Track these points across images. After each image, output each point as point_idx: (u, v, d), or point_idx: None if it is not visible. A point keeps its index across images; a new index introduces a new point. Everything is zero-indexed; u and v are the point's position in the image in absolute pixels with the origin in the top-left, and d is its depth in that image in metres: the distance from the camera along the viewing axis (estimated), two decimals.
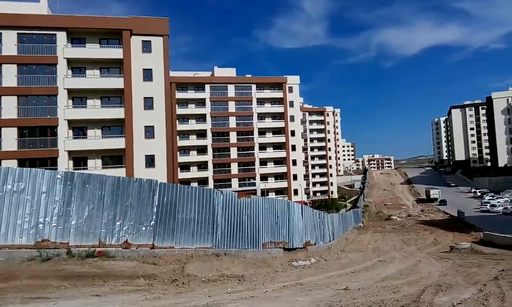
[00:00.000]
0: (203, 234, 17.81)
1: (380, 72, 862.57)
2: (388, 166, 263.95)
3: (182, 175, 71.91)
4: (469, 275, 16.51)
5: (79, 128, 43.05)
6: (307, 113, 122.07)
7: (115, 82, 43.06)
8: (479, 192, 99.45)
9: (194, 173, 75.49)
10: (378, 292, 12.70)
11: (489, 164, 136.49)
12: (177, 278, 13.70)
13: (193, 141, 76.27)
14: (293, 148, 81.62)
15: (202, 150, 76.14)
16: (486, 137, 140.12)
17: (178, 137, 73.32)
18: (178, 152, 72.99)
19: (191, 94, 76.16)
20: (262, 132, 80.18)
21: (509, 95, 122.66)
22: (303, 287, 14.08)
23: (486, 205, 76.01)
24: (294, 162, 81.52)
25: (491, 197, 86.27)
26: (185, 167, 74.95)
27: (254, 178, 77.93)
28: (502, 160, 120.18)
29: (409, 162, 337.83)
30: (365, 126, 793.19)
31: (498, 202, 77.72)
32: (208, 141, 75.95)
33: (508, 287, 12.63)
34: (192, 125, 76.38)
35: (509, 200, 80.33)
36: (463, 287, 13.40)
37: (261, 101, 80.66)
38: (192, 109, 76.38)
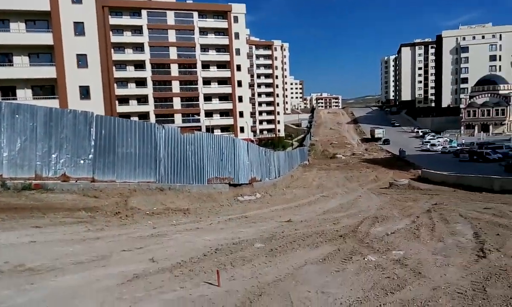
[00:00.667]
0: (145, 169, 17.92)
1: (331, 6, 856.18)
2: (336, 106, 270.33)
3: (121, 109, 69.91)
4: (404, 209, 18.00)
5: (3, 55, 40.24)
6: (253, 47, 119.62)
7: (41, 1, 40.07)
8: (421, 132, 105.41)
9: (133, 107, 73.57)
10: (319, 224, 13.66)
11: (433, 104, 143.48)
12: (120, 210, 13.92)
13: (131, 72, 73.49)
14: (239, 83, 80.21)
15: (141, 82, 73.77)
16: (433, 77, 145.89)
17: (114, 68, 70.50)
18: (115, 84, 70.55)
19: (126, 20, 72.14)
20: (205, 65, 78.16)
21: (458, 34, 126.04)
22: (247, 219, 14.81)
23: (427, 145, 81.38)
24: (240, 99, 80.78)
25: (432, 137, 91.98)
26: (124, 100, 72.76)
27: (198, 114, 77.15)
28: (446, 101, 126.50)
29: (356, 102, 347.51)
30: (314, 64, 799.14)
31: (438, 141, 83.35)
32: (147, 73, 73.52)
33: (438, 219, 13.97)
34: (129, 55, 73.17)
35: (448, 139, 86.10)
36: (398, 219, 14.64)
37: (204, 31, 77.67)
38: (128, 37, 72.74)
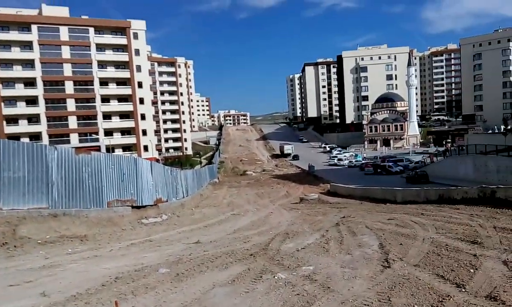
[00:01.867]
0: (36, 194, 16.46)
1: (235, 23, 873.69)
2: (244, 122, 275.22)
3: (9, 129, 64.78)
4: (314, 223, 18.51)
5: None
6: (156, 64, 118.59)
7: None
8: (328, 147, 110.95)
9: (24, 127, 68.26)
10: (229, 243, 13.52)
11: (338, 121, 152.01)
12: (8, 241, 12.75)
13: (20, 90, 68.26)
14: (141, 101, 78.26)
15: (32, 101, 68.79)
16: (337, 95, 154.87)
17: (1, 85, 65.31)
18: (2, 103, 65.41)
19: (14, 35, 67.28)
20: (104, 82, 75.31)
21: (357, 54, 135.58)
22: (152, 243, 14.27)
23: (334, 159, 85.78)
24: (143, 117, 78.76)
25: (338, 152, 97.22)
26: (13, 120, 67.36)
27: (97, 133, 73.84)
28: (350, 117, 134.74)
29: (265, 119, 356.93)
30: (221, 81, 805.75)
31: (344, 156, 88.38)
32: (39, 91, 68.75)
33: (346, 231, 14.51)
34: (18, 72, 68.08)
35: (353, 154, 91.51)
36: (308, 233, 14.97)
37: (101, 47, 74.88)
38: (17, 53, 67.70)
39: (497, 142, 50.96)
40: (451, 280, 7.51)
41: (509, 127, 64.75)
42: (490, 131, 76.68)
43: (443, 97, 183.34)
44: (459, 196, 21.71)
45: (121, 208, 21.06)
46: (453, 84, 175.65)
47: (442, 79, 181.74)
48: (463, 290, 6.93)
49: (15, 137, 59.63)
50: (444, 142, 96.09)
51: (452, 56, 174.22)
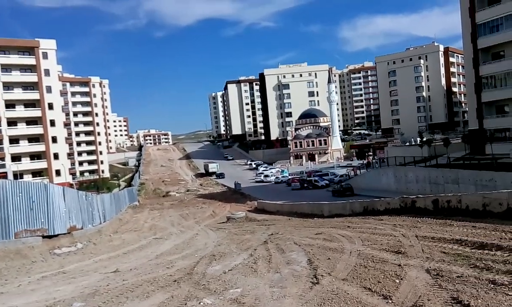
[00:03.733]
0: None
1: (153, 41, 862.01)
2: (166, 142, 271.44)
3: None
4: (242, 242, 18.40)
5: None
6: (68, 84, 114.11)
7: None
8: (254, 164, 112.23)
9: None
10: (151, 270, 13.02)
11: (263, 137, 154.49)
12: None
13: None
14: (52, 123, 74.87)
15: None
16: (261, 112, 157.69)
17: None
18: None
19: None
20: (11, 104, 71.40)
21: (279, 72, 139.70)
22: (66, 275, 13.47)
23: (261, 176, 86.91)
24: (54, 140, 75.25)
25: (265, 168, 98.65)
26: None
27: (3, 159, 69.22)
28: (274, 134, 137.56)
29: (188, 137, 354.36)
30: (139, 100, 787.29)
31: (271, 172, 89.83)
32: None
33: (275, 249, 14.54)
34: None
35: (280, 170, 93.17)
36: (235, 254, 14.81)
37: (7, 68, 71.19)
38: None
39: (414, 154, 54.35)
40: (378, 292, 7.68)
41: (424, 139, 69.29)
42: (408, 144, 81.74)
43: (363, 112, 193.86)
44: (382, 207, 22.68)
45: (30, 239, 19.72)
46: (372, 100, 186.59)
47: (361, 95, 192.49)
48: (390, 301, 7.10)
49: None
50: (366, 155, 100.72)
51: (369, 73, 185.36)
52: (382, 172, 56.00)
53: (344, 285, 8.45)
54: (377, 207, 23.29)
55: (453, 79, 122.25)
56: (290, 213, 34.09)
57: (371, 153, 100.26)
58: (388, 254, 11.12)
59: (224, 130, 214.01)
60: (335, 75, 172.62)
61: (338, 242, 14.28)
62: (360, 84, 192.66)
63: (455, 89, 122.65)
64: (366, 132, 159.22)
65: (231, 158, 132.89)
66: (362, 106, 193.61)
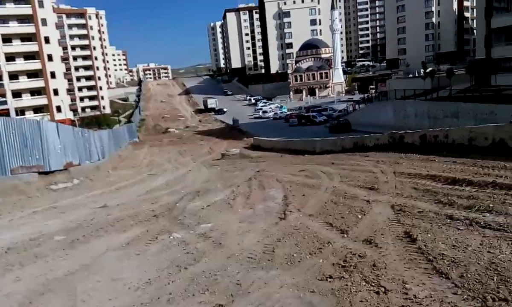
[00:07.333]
0: None
1: None
2: (166, 76, 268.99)
3: None
4: (229, 179, 18.97)
5: None
6: (64, 16, 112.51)
7: None
8: (253, 99, 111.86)
9: None
10: (136, 205, 13.60)
11: (263, 71, 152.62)
12: None
13: None
14: (50, 57, 74.90)
15: None
16: (261, 43, 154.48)
17: None
18: None
19: None
20: (7, 39, 71.01)
21: None
22: (57, 210, 14.01)
23: (259, 112, 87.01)
24: (53, 75, 75.42)
25: (263, 104, 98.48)
26: None
27: (4, 95, 69.60)
28: (274, 67, 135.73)
29: (187, 72, 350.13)
30: (138, 33, 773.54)
31: (269, 108, 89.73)
32: None
33: (256, 186, 15.05)
34: None
35: (279, 105, 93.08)
36: (219, 190, 15.34)
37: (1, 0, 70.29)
38: None
39: (416, 86, 53.77)
40: (337, 227, 8.10)
41: (427, 70, 68.37)
42: (411, 76, 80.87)
43: (368, 41, 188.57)
44: (371, 143, 23.07)
45: (26, 175, 20.43)
46: (378, 27, 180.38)
47: (367, 22, 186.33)
48: (345, 236, 7.56)
49: None
50: (368, 89, 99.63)
51: None
52: (381, 107, 55.70)
53: (309, 221, 8.91)
54: (367, 143, 23.65)
55: (465, 3, 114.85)
56: (284, 150, 34.55)
57: (373, 87, 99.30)
58: (361, 190, 11.47)
59: (223, 64, 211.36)
60: (339, 1, 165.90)
61: (318, 179, 14.72)
62: (366, 10, 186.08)
63: (467, 14, 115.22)
64: (371, 63, 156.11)
65: (230, 93, 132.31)
66: (367, 36, 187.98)
